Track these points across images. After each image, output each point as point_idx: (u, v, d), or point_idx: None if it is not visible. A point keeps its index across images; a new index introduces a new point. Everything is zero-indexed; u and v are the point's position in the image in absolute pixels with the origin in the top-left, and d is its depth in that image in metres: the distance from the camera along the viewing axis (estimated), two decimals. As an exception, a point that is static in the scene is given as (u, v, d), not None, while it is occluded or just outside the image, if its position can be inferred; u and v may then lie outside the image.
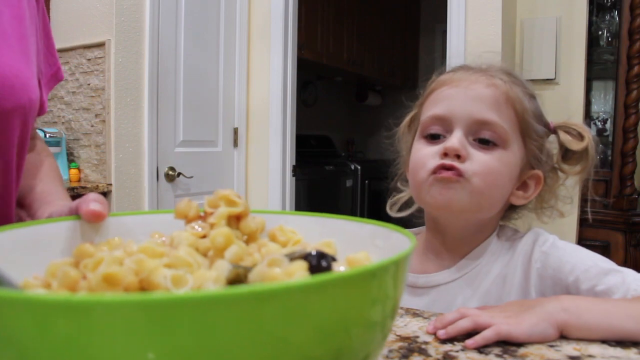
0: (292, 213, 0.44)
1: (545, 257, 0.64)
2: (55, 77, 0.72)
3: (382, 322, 0.27)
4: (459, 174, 0.62)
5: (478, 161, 0.62)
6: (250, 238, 0.39)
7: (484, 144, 0.63)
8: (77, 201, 0.45)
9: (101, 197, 0.44)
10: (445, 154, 0.62)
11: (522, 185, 0.68)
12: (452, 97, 0.65)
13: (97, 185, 2.01)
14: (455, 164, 0.62)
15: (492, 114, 0.63)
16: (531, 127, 0.67)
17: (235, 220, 0.39)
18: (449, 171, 0.62)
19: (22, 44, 0.58)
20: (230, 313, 0.20)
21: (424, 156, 0.65)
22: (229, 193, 0.39)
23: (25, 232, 0.37)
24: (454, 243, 0.68)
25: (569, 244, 0.65)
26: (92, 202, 0.42)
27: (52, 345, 0.20)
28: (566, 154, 0.69)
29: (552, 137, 0.70)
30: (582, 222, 2.18)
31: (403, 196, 0.76)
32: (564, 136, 0.69)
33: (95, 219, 0.42)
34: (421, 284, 0.68)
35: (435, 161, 0.63)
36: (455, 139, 0.62)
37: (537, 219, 0.72)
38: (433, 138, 0.66)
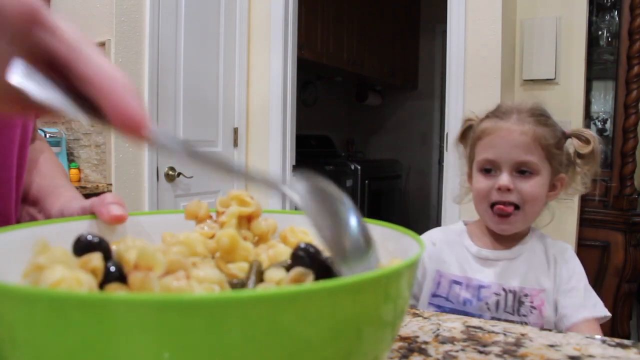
0: (303, 213, 0.44)
1: (568, 257, 0.95)
2: None
3: (392, 323, 0.27)
4: (513, 203, 0.90)
5: (523, 190, 0.90)
6: (261, 239, 0.39)
7: (523, 173, 0.91)
8: (92, 201, 0.44)
9: (119, 197, 0.44)
10: (499, 189, 0.90)
11: (551, 187, 0.94)
12: (497, 146, 0.92)
13: (97, 185, 2.01)
14: (509, 199, 0.90)
15: (526, 156, 0.90)
16: (554, 153, 0.92)
17: (246, 221, 0.39)
18: (506, 208, 0.90)
19: None
20: (247, 315, 0.20)
21: (482, 189, 0.93)
22: (241, 193, 0.39)
23: (37, 231, 0.37)
24: (506, 237, 0.96)
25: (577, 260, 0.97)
26: (111, 206, 0.42)
27: (67, 342, 0.20)
28: (579, 154, 0.95)
29: (570, 140, 0.96)
30: (582, 222, 2.18)
31: (463, 193, 1.05)
32: (576, 142, 0.95)
33: (117, 222, 0.42)
34: (492, 257, 0.95)
35: (493, 196, 0.91)
36: (505, 178, 0.90)
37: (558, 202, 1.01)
38: (487, 171, 0.93)
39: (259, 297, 0.21)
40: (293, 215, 0.43)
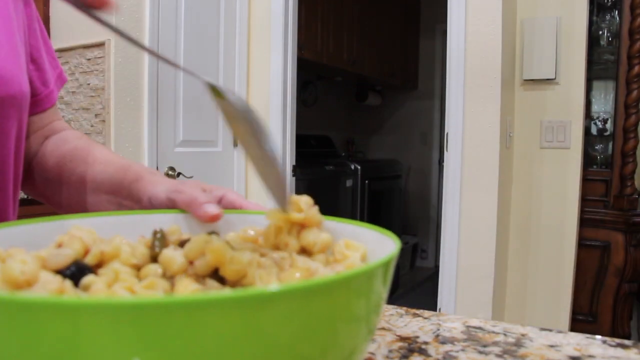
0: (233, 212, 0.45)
1: None
2: (61, 79, 0.72)
3: (366, 319, 0.27)
4: None
5: None
6: (305, 251, 0.37)
7: None
8: (178, 196, 0.45)
9: (207, 187, 0.46)
10: None
11: None
12: None
13: (97, 185, 2.01)
14: None
15: None
16: None
17: (298, 229, 0.38)
18: None
19: (9, 41, 0.58)
20: (224, 316, 0.20)
21: None
22: (300, 199, 0.38)
23: (119, 220, 0.39)
24: None
25: None
26: (206, 205, 0.43)
27: (40, 349, 0.20)
28: None
29: None
30: (583, 222, 2.18)
31: None
32: None
33: (213, 221, 0.43)
34: None
35: None
36: None
37: None
38: None
39: (236, 298, 0.21)
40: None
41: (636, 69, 2.08)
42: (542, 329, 0.52)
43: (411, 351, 0.46)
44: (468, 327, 0.53)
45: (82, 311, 0.19)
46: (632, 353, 0.46)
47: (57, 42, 2.15)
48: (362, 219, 3.51)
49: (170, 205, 0.46)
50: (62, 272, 0.30)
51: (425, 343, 0.48)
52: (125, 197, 0.55)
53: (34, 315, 0.19)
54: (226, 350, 0.21)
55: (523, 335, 0.51)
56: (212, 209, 0.42)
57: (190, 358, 0.20)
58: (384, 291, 0.29)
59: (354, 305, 0.25)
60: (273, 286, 0.22)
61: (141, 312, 0.19)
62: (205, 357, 0.21)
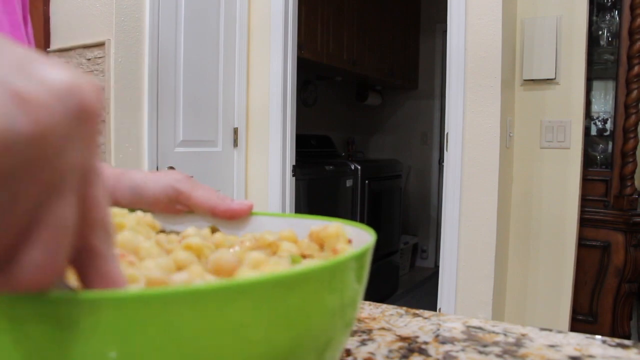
0: (259, 214, 0.44)
1: None
2: None
3: (341, 311, 0.28)
4: None
5: None
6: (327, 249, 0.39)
7: None
8: (198, 190, 0.42)
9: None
10: None
11: None
12: None
13: (97, 185, 2.01)
14: None
15: None
16: None
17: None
18: None
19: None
20: (198, 308, 0.20)
21: None
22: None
23: None
24: None
25: None
26: (233, 200, 0.41)
27: (23, 345, 0.20)
28: None
29: None
30: (583, 222, 2.18)
31: None
32: None
33: (241, 215, 0.42)
34: None
35: None
36: None
37: None
38: None
39: (210, 289, 0.21)
40: (252, 215, 0.43)
41: (636, 69, 2.08)
42: (542, 329, 0.52)
43: (411, 351, 0.46)
44: (468, 327, 0.53)
45: (69, 306, 0.19)
46: (632, 353, 0.46)
47: (57, 42, 2.15)
48: (362, 219, 3.51)
49: (174, 195, 0.43)
50: None
51: (425, 343, 0.48)
52: None
53: (20, 311, 0.19)
54: (202, 341, 0.21)
55: (523, 335, 0.51)
56: (243, 201, 0.42)
57: (167, 348, 0.21)
58: (359, 284, 0.29)
59: (328, 296, 0.26)
60: (247, 277, 0.22)
61: (119, 304, 0.19)
62: (181, 348, 0.21)
